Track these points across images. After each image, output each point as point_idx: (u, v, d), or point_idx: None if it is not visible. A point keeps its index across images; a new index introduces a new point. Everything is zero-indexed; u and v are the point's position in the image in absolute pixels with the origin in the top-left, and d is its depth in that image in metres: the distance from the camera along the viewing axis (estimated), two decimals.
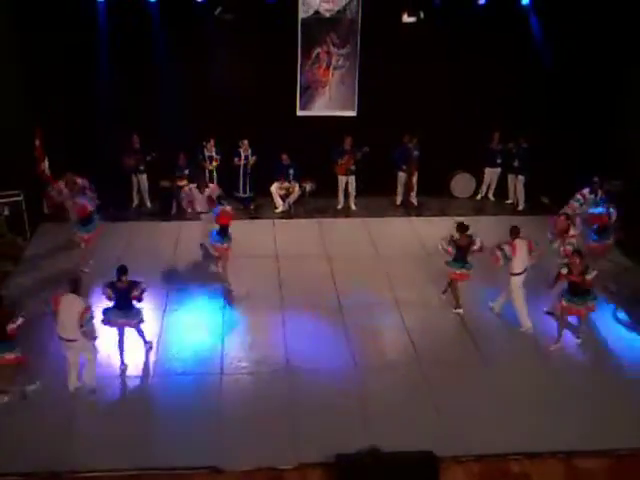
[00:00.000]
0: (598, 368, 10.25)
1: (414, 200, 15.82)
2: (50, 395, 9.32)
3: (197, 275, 12.54)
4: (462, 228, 11.20)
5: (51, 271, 12.50)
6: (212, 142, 15.00)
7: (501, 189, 16.19)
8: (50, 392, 9.36)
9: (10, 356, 8.98)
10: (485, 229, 11.23)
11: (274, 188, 15.29)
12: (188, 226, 13.80)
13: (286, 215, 15.21)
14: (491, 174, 16.07)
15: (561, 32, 14.62)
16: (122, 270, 9.62)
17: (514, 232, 10.85)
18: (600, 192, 12.82)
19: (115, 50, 14.37)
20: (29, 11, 13.80)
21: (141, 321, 9.96)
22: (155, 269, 12.48)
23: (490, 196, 16.32)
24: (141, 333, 10.14)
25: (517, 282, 10.90)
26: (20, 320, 9.02)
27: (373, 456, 8.29)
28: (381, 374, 10.00)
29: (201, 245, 13.15)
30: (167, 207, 15.11)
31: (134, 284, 9.70)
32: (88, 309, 9.17)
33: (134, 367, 10.02)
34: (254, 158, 14.99)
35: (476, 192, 16.33)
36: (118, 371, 9.89)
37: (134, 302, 9.77)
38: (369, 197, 15.72)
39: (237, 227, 14.07)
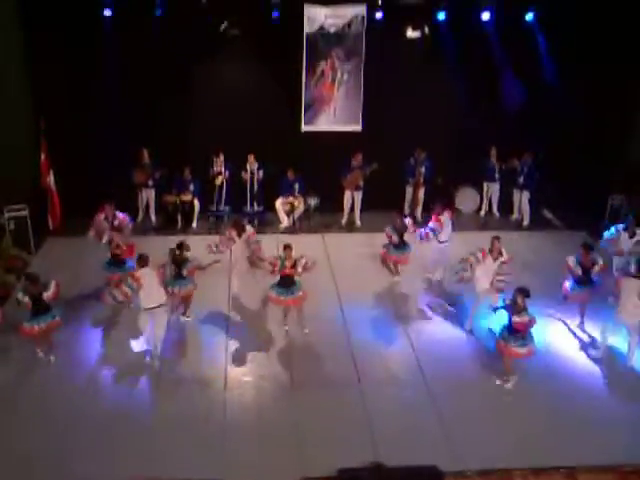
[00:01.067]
0: (604, 383, 10.16)
1: (419, 215, 15.82)
2: (48, 406, 9.32)
3: (202, 288, 12.48)
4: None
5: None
6: (221, 157, 15.05)
7: (507, 204, 16.16)
8: (49, 403, 9.37)
9: (53, 322, 10.12)
10: (489, 244, 11.21)
11: (279, 204, 15.30)
12: (193, 240, 13.75)
13: (291, 230, 15.20)
14: (489, 188, 16.06)
15: (565, 48, 14.68)
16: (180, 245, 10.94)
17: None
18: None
19: (121, 65, 14.45)
20: (36, 26, 13.93)
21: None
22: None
23: (494, 211, 16.30)
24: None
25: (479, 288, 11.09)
26: (53, 285, 10.06)
27: (376, 471, 8.23)
28: (385, 389, 9.93)
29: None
30: (172, 221, 15.12)
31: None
32: (162, 267, 10.52)
33: (137, 380, 9.98)
34: (261, 172, 15.02)
35: (481, 207, 16.33)
36: (120, 382, 9.87)
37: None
38: (374, 212, 15.72)
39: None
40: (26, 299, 9.89)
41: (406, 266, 13.27)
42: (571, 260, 11.07)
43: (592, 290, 11.10)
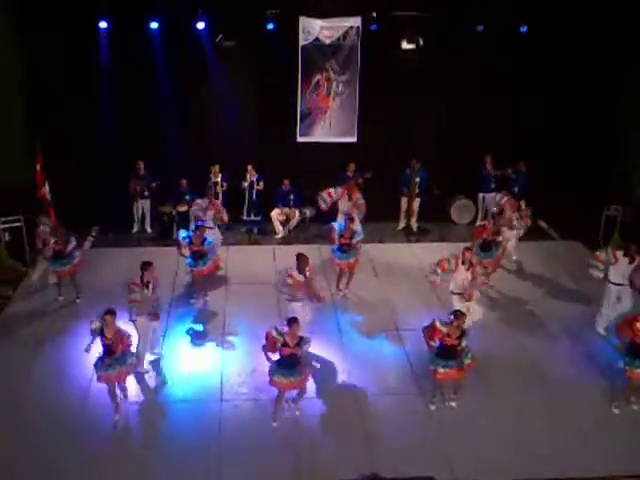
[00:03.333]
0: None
1: (414, 226, 15.85)
2: (49, 418, 9.27)
3: (198, 300, 12.49)
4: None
5: (50, 297, 12.48)
6: (217, 168, 15.08)
7: None
8: (48, 416, 9.32)
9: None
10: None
11: (274, 214, 15.31)
12: None
13: (286, 241, 15.20)
14: (485, 199, 16.11)
15: (559, 60, 14.74)
16: None
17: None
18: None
19: (117, 76, 14.52)
20: (32, 38, 13.94)
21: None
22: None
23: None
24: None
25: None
26: (72, 243, 11.96)
27: None
28: (382, 400, 9.92)
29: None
30: (168, 232, 15.12)
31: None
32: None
33: (133, 393, 9.93)
34: (261, 183, 15.07)
35: (476, 218, 16.34)
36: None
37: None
38: (369, 223, 15.71)
39: (237, 253, 14.15)
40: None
41: (403, 275, 13.29)
42: None
43: None
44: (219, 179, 15.14)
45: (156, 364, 10.62)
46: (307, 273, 10.70)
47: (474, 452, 8.89)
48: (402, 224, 15.98)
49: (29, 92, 14.29)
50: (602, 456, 8.87)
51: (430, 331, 9.46)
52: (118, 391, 9.43)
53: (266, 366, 9.30)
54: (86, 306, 11.95)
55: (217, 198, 14.93)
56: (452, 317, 9.34)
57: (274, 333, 9.08)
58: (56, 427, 9.16)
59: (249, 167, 15.04)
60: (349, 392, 10.12)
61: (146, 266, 10.31)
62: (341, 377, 10.45)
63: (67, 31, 13.78)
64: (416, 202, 15.69)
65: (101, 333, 9.08)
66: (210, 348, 11.18)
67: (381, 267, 13.94)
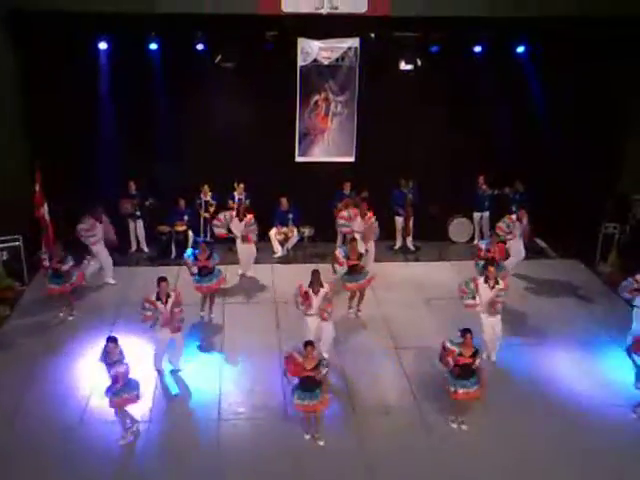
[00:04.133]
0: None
1: (410, 245, 15.87)
2: (46, 438, 9.22)
3: (195, 319, 12.46)
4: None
5: (47, 317, 12.45)
6: (206, 187, 15.13)
7: None
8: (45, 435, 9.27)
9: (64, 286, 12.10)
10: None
11: (272, 233, 15.32)
12: (186, 270, 13.75)
13: (284, 260, 15.21)
14: (478, 218, 16.13)
15: (556, 80, 14.83)
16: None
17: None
18: None
19: (116, 96, 14.61)
20: (32, 57, 14.02)
21: None
22: None
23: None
24: None
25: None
26: (68, 263, 12.12)
27: None
28: (380, 419, 9.88)
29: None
30: (166, 251, 15.13)
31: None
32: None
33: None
34: (247, 202, 14.92)
35: (473, 237, 16.35)
36: (110, 412, 9.65)
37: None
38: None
39: (235, 272, 14.13)
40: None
41: (401, 294, 13.33)
42: None
43: None
44: (209, 198, 15.19)
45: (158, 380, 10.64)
46: (321, 290, 10.80)
47: (473, 472, 8.86)
48: (399, 243, 15.98)
49: (28, 111, 14.33)
50: None
51: (442, 352, 9.47)
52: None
53: (264, 385, 9.28)
54: (84, 325, 11.94)
55: (205, 220, 15.12)
56: (460, 335, 9.36)
57: (296, 355, 9.09)
58: (52, 446, 9.11)
59: (240, 185, 14.97)
60: (347, 410, 10.06)
61: (160, 281, 10.49)
62: (339, 396, 10.36)
63: (67, 52, 13.83)
64: (411, 221, 15.69)
65: (106, 360, 9.11)
66: (208, 367, 11.13)
67: (379, 286, 13.89)
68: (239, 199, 14.99)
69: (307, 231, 15.40)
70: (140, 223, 15.37)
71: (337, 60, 15.15)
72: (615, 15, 13.54)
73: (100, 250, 13.62)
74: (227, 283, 13.29)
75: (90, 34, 13.92)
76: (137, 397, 9.32)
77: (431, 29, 14.33)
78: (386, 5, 13.58)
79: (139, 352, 11.05)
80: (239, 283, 13.94)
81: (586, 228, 14.92)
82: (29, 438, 9.26)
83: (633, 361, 10.41)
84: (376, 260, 14.76)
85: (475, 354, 9.33)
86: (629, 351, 10.58)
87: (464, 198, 15.72)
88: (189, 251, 12.64)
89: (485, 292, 10.94)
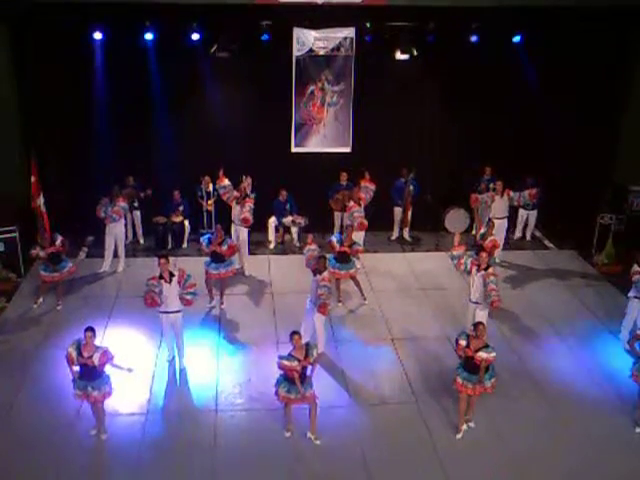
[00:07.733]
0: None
1: (407, 236, 15.86)
2: (42, 433, 9.24)
3: (192, 311, 12.44)
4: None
5: (43, 308, 12.45)
6: (208, 179, 15.08)
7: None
8: (42, 430, 9.28)
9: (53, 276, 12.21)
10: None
11: (271, 222, 15.31)
12: (183, 261, 13.75)
13: (280, 251, 15.20)
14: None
15: (553, 69, 14.80)
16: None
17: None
18: None
19: (111, 88, 14.52)
20: (26, 48, 13.95)
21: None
22: None
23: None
24: None
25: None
26: (58, 238, 12.12)
27: None
28: (377, 411, 9.91)
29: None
30: (162, 243, 15.11)
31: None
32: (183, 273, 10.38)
33: (127, 404, 9.89)
34: (253, 195, 14.87)
35: (471, 227, 16.31)
36: (106, 406, 9.62)
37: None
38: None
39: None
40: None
41: (398, 284, 13.33)
42: None
43: None
44: (210, 189, 15.15)
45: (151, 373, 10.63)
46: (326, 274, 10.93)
47: (470, 465, 8.89)
48: (396, 234, 15.98)
49: (23, 104, 14.26)
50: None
51: (456, 344, 9.45)
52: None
53: (261, 376, 9.25)
54: (80, 316, 11.88)
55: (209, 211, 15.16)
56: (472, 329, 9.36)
57: (286, 362, 8.95)
58: (48, 439, 9.13)
59: (248, 178, 14.81)
60: (344, 402, 10.08)
61: (160, 259, 10.40)
62: (336, 387, 10.41)
63: (62, 42, 13.76)
64: (409, 212, 15.67)
65: (78, 351, 8.83)
66: (205, 358, 11.14)
67: (376, 277, 13.93)
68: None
69: (303, 221, 15.38)
70: (138, 214, 15.35)
71: (333, 50, 15.07)
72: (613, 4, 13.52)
73: (111, 232, 13.74)
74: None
75: (85, 24, 13.79)
76: (109, 393, 9.14)
77: (427, 19, 14.25)
78: None
79: (135, 343, 11.09)
80: (235, 275, 13.92)
81: (583, 219, 14.94)
82: (25, 431, 9.25)
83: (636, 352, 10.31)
84: (373, 250, 14.79)
85: (479, 350, 9.06)
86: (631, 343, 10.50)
87: (462, 188, 15.60)
88: (205, 235, 12.67)
89: (477, 277, 10.95)
